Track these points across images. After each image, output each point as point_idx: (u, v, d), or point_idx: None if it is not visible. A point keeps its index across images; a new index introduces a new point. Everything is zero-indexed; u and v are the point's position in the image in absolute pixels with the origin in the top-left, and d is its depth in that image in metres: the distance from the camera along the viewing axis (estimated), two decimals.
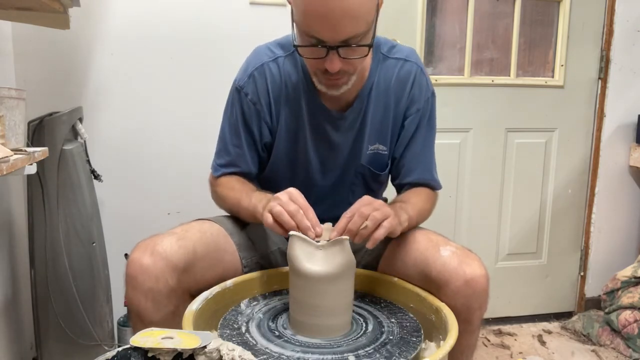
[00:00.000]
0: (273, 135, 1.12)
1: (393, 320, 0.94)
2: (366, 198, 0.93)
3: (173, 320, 0.94)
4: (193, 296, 0.96)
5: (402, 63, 1.11)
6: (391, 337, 0.88)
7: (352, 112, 1.10)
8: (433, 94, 1.15)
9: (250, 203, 1.02)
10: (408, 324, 0.93)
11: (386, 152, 1.15)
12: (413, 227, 1.06)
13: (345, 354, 0.81)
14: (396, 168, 1.18)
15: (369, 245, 0.90)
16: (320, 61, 0.93)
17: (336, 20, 0.86)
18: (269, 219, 0.90)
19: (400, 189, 1.20)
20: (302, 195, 0.92)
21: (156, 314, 0.92)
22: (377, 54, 1.10)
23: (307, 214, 0.89)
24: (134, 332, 0.97)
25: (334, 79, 0.97)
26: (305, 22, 0.89)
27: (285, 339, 0.86)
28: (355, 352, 0.82)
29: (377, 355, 0.81)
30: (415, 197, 1.12)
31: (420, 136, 1.15)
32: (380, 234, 0.89)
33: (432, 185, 1.18)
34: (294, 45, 0.95)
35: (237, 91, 1.11)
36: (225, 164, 1.14)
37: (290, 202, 0.89)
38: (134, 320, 0.96)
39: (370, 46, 0.92)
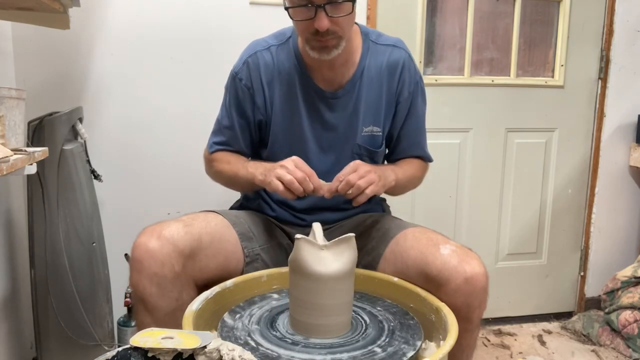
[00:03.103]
0: (269, 119, 1.18)
1: (393, 320, 0.94)
2: (354, 164, 1.02)
3: (176, 307, 0.94)
4: (196, 285, 0.96)
5: (391, 49, 1.19)
6: (391, 337, 0.88)
7: (344, 93, 1.16)
8: (421, 78, 1.26)
9: (248, 172, 1.11)
10: (408, 324, 0.93)
11: (380, 134, 1.21)
12: (400, 188, 1.20)
13: (345, 354, 0.81)
14: (389, 148, 1.28)
15: (354, 204, 1.03)
16: (310, 23, 1.00)
17: None
18: (279, 186, 0.98)
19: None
20: (305, 163, 1.01)
21: (160, 299, 0.92)
22: (367, 41, 1.17)
23: (312, 179, 1.00)
24: (137, 318, 0.97)
25: (324, 40, 1.03)
26: None
27: (286, 339, 0.86)
28: (355, 352, 0.82)
29: (377, 355, 0.81)
30: (408, 165, 1.24)
31: (412, 118, 1.23)
32: (361, 200, 1.01)
33: (424, 158, 1.30)
34: (285, 8, 1.03)
35: (233, 77, 1.19)
36: (220, 142, 1.22)
37: (297, 169, 0.99)
38: (137, 306, 0.96)
39: (353, 1, 1.01)
